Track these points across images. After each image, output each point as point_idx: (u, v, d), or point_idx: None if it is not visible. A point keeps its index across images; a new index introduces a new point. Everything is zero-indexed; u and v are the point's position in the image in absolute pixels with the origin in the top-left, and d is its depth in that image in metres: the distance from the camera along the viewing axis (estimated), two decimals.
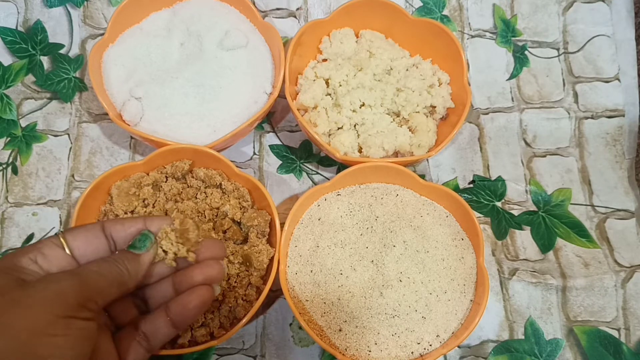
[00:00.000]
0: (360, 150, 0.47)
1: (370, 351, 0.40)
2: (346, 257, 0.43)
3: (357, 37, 0.52)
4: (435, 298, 0.42)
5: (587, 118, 0.54)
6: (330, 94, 0.49)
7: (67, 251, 0.31)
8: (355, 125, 0.48)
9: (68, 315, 0.27)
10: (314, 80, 0.49)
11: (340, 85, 0.48)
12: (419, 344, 0.41)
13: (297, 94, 0.49)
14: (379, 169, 0.45)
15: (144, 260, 0.33)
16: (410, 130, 0.49)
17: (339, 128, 0.48)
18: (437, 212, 0.46)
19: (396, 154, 0.48)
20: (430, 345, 0.41)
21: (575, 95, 0.55)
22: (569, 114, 0.54)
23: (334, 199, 0.46)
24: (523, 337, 0.46)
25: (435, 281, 0.42)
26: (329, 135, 0.48)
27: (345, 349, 0.40)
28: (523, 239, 0.49)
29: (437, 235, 0.44)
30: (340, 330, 0.41)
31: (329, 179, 0.51)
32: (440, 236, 0.44)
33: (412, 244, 0.43)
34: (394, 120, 0.49)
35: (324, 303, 0.42)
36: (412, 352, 0.40)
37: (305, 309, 0.42)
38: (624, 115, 0.54)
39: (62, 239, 0.31)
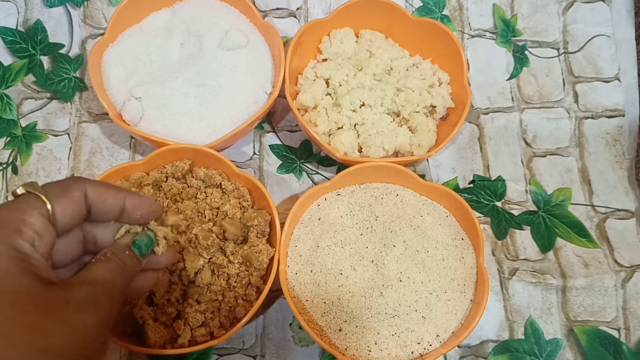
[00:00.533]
0: (360, 150, 0.47)
1: (370, 351, 0.40)
2: (346, 257, 0.43)
3: (357, 37, 0.52)
4: (435, 298, 0.42)
5: (587, 118, 0.54)
6: (330, 94, 0.49)
7: (51, 222, 0.28)
8: (355, 125, 0.48)
9: (104, 342, 0.27)
10: (314, 80, 0.49)
11: (340, 85, 0.48)
12: (419, 343, 0.41)
13: (297, 93, 0.49)
14: (379, 169, 0.45)
15: (142, 262, 0.33)
16: (410, 130, 0.49)
17: (339, 128, 0.48)
18: (437, 212, 0.46)
19: (396, 154, 0.48)
20: (430, 345, 0.41)
21: (575, 95, 0.55)
22: (569, 113, 0.54)
23: (334, 199, 0.46)
24: (523, 337, 0.46)
25: (435, 281, 0.42)
26: (329, 135, 0.48)
27: (345, 349, 0.40)
28: (523, 238, 0.49)
29: (437, 235, 0.44)
30: (340, 330, 0.41)
31: (329, 179, 0.51)
32: (440, 236, 0.44)
33: (412, 243, 0.43)
34: (394, 120, 0.49)
35: (324, 303, 0.42)
36: (412, 352, 0.40)
37: (305, 308, 0.42)
38: (624, 115, 0.54)
39: (49, 208, 0.28)
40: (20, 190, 0.28)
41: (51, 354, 0.24)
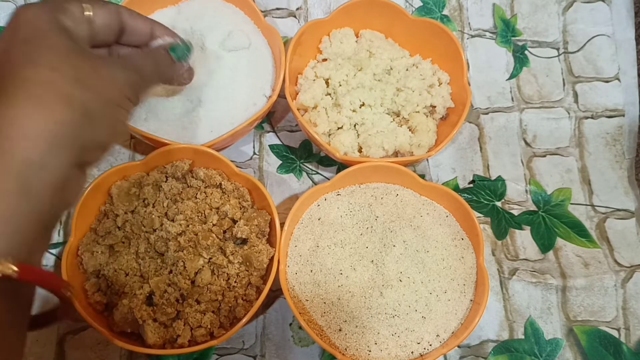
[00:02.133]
0: (360, 150, 0.47)
1: (370, 351, 0.40)
2: (346, 257, 0.43)
3: (357, 37, 0.52)
4: (435, 298, 0.42)
5: (587, 118, 0.54)
6: (330, 94, 0.49)
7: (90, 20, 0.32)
8: (355, 125, 0.48)
9: (127, 109, 0.32)
10: (314, 80, 0.49)
11: (340, 85, 0.48)
12: (418, 343, 0.41)
13: (297, 93, 0.49)
14: (379, 169, 0.45)
15: (175, 68, 0.38)
16: (410, 130, 0.49)
17: (339, 128, 0.48)
18: (437, 212, 0.46)
19: (396, 153, 0.48)
20: (430, 345, 0.41)
21: (575, 95, 0.55)
22: (568, 113, 0.54)
23: (334, 199, 0.46)
24: (523, 337, 0.46)
25: (435, 281, 0.42)
26: (329, 135, 0.48)
27: (345, 349, 0.40)
28: (523, 238, 0.49)
29: (437, 235, 0.44)
30: (340, 330, 0.41)
31: (329, 179, 0.51)
32: (440, 236, 0.44)
33: (412, 243, 0.43)
34: (393, 120, 0.49)
35: (324, 303, 0.42)
36: (412, 352, 0.40)
37: (305, 308, 0.42)
38: (623, 115, 0.54)
39: (90, 13, 0.32)
40: None
41: (88, 89, 0.28)
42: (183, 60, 0.37)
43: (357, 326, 0.41)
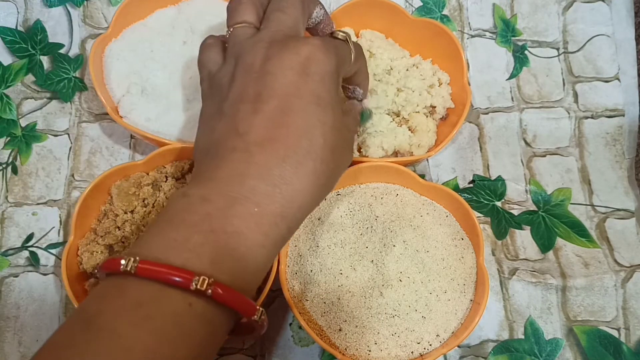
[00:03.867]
0: (359, 150, 0.47)
1: (370, 351, 0.40)
2: (346, 257, 0.43)
3: (357, 37, 0.52)
4: (435, 298, 0.42)
5: (587, 118, 0.54)
6: None
7: None
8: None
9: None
10: None
11: None
12: (418, 343, 0.41)
13: None
14: (379, 169, 0.45)
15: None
16: (410, 130, 0.49)
17: None
18: (437, 212, 0.46)
19: (396, 153, 0.48)
20: (430, 344, 0.41)
21: (575, 95, 0.55)
22: (568, 113, 0.54)
23: (334, 199, 0.46)
24: (523, 337, 0.46)
25: (435, 281, 0.42)
26: None
27: (345, 349, 0.40)
28: (523, 238, 0.49)
29: (437, 235, 0.44)
30: (340, 329, 0.41)
31: None
32: (440, 236, 0.44)
33: (412, 243, 0.43)
34: (393, 120, 0.49)
35: (324, 303, 0.42)
36: (412, 352, 0.40)
37: (305, 308, 0.42)
38: (623, 115, 0.54)
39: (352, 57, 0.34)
40: None
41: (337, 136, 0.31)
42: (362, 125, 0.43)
43: (357, 326, 0.41)
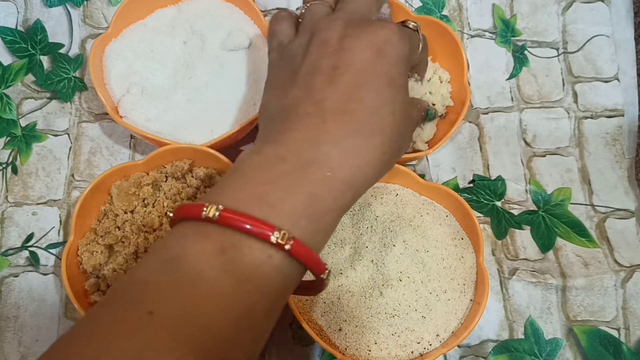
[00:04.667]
0: None
1: (370, 351, 0.40)
2: (346, 257, 0.43)
3: None
4: (435, 298, 0.42)
5: (586, 118, 0.54)
6: None
7: None
8: None
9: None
10: None
11: None
12: (418, 343, 0.41)
13: None
14: None
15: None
16: None
17: None
18: (437, 212, 0.46)
19: None
20: (430, 344, 0.41)
21: (575, 95, 0.55)
22: (568, 113, 0.54)
23: None
24: (523, 337, 0.46)
25: (435, 281, 0.42)
26: None
27: (345, 349, 0.40)
28: (523, 238, 0.49)
29: (437, 235, 0.44)
30: (340, 329, 0.41)
31: None
32: (440, 236, 0.44)
33: (412, 243, 0.43)
34: None
35: (324, 302, 0.42)
36: (412, 352, 0.40)
37: (305, 308, 0.42)
38: (623, 115, 0.54)
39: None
40: None
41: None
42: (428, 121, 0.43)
43: (357, 326, 0.41)
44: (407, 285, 0.41)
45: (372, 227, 0.44)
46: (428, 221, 0.45)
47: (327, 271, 0.29)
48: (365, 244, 0.43)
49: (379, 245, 0.43)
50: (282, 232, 0.25)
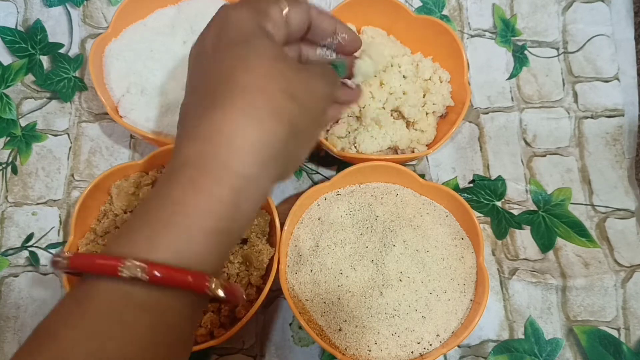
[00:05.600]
0: (358, 146, 0.47)
1: (370, 351, 0.40)
2: (346, 257, 0.43)
3: (359, 34, 0.52)
4: (435, 298, 0.42)
5: (586, 118, 0.54)
6: None
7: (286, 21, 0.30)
8: (353, 121, 0.48)
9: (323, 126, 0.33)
10: None
11: None
12: (419, 343, 0.41)
13: None
14: (379, 169, 0.45)
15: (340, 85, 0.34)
16: (409, 127, 0.49)
17: (335, 122, 0.48)
18: (437, 212, 0.46)
19: (395, 151, 0.48)
20: (430, 344, 0.41)
21: (575, 95, 0.55)
22: (568, 113, 0.54)
23: (334, 199, 0.46)
24: (523, 337, 0.46)
25: (435, 281, 0.42)
26: (327, 131, 0.48)
27: (345, 349, 0.40)
28: (523, 238, 0.49)
29: (437, 235, 0.44)
30: (340, 329, 0.41)
31: (328, 179, 0.51)
32: (440, 236, 0.44)
33: (412, 243, 0.43)
34: (393, 117, 0.49)
35: (324, 302, 0.42)
36: (412, 352, 0.40)
37: (305, 308, 0.42)
38: (623, 115, 0.54)
39: (286, 9, 0.30)
40: None
41: (296, 102, 0.26)
42: (341, 74, 0.35)
43: (357, 326, 0.41)
44: (407, 285, 0.41)
45: (372, 227, 0.44)
46: (428, 221, 0.45)
47: (212, 280, 0.24)
48: (365, 244, 0.43)
49: (379, 245, 0.43)
50: (131, 262, 0.22)
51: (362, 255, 0.43)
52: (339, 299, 0.41)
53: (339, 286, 0.42)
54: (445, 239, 0.44)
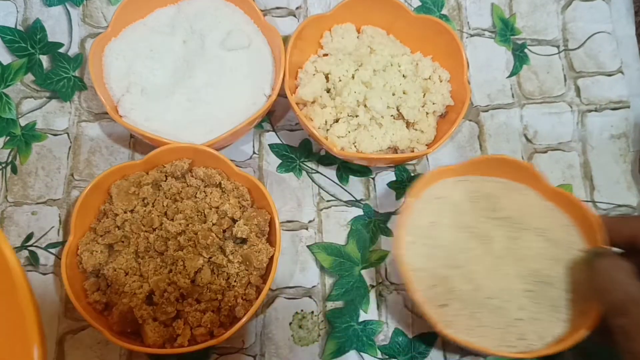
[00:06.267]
0: (358, 146, 0.47)
1: (470, 335, 0.39)
2: (464, 240, 0.42)
3: (359, 33, 0.52)
4: (549, 301, 0.40)
5: (590, 111, 0.54)
6: (329, 89, 0.49)
7: None
8: (353, 120, 0.48)
9: None
10: (314, 74, 0.49)
11: (340, 80, 0.48)
12: (521, 340, 0.40)
13: (297, 87, 0.49)
14: (507, 163, 0.45)
15: None
16: (409, 127, 0.49)
17: (335, 121, 0.48)
18: (560, 219, 0.44)
19: (395, 150, 0.48)
20: (532, 344, 0.39)
21: (577, 89, 0.55)
22: (571, 107, 0.54)
23: (458, 183, 0.45)
24: None
25: (554, 287, 0.41)
26: (327, 130, 0.48)
27: (446, 326, 0.40)
28: None
29: (558, 242, 0.43)
30: (443, 306, 0.40)
31: (329, 178, 0.51)
32: (564, 245, 0.42)
33: (533, 244, 0.42)
34: (392, 116, 0.49)
35: (433, 277, 0.41)
36: (513, 346, 0.39)
37: (410, 278, 0.41)
38: (629, 107, 0.54)
39: None
40: None
41: None
42: None
43: (460, 307, 0.40)
44: (521, 284, 0.41)
45: (493, 219, 0.43)
46: (551, 226, 0.43)
47: None
48: (486, 234, 0.43)
49: (499, 239, 0.42)
50: None
51: (480, 243, 0.42)
52: (448, 277, 0.41)
53: (451, 266, 0.41)
54: (569, 249, 0.42)
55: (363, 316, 0.47)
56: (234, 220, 0.44)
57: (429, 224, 0.43)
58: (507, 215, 0.44)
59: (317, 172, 0.51)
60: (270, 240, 0.44)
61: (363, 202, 0.50)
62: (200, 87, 0.48)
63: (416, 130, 0.48)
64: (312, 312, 0.46)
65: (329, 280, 0.48)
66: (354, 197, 0.51)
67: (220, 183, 0.45)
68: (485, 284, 0.41)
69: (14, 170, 0.50)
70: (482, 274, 0.41)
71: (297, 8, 0.56)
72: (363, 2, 0.50)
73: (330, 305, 0.47)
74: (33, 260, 0.47)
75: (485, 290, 0.41)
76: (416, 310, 0.46)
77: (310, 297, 0.47)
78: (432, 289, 0.41)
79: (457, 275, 0.41)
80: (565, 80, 0.55)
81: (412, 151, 0.48)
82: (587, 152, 0.53)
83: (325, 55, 0.51)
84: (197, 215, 0.43)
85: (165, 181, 0.45)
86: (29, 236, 0.48)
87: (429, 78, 0.50)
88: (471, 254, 0.42)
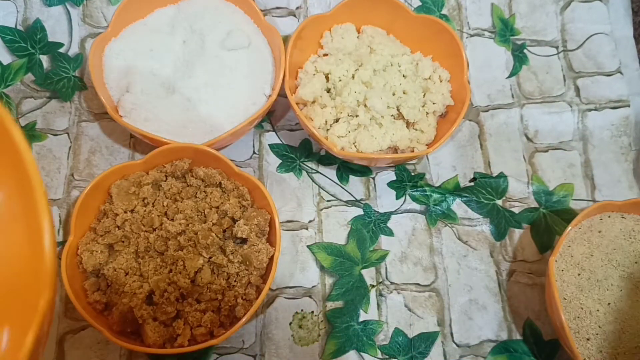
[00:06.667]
0: (358, 146, 0.47)
1: None
2: (618, 278, 0.43)
3: (359, 33, 0.52)
4: None
5: (590, 110, 0.54)
6: (329, 89, 0.49)
7: None
8: (353, 120, 0.48)
9: None
10: (314, 74, 0.49)
11: (340, 80, 0.48)
12: None
13: (297, 87, 0.49)
14: None
15: None
16: (409, 126, 0.49)
17: (335, 121, 0.48)
18: None
19: (395, 150, 0.48)
20: None
21: (577, 89, 0.55)
22: (571, 107, 0.54)
23: (619, 220, 0.46)
24: (521, 338, 0.46)
25: None
26: (327, 130, 0.48)
27: (586, 358, 0.40)
28: (522, 239, 0.49)
29: None
30: (588, 339, 0.41)
31: (329, 178, 0.51)
32: None
33: None
34: (392, 116, 0.49)
35: (581, 308, 0.42)
36: None
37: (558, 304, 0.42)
38: (629, 106, 0.54)
39: None
40: None
41: None
42: None
43: (604, 345, 0.41)
44: None
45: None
46: None
47: None
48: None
49: None
50: None
51: (636, 286, 0.43)
52: (597, 311, 0.42)
53: (600, 300, 0.42)
54: None
55: (363, 316, 0.47)
56: (234, 220, 0.44)
57: (582, 255, 0.44)
58: None
59: (317, 172, 0.51)
60: (270, 240, 0.44)
61: (363, 202, 0.50)
62: (200, 86, 0.48)
63: (416, 130, 0.48)
64: (312, 312, 0.46)
65: (329, 280, 0.48)
66: (354, 197, 0.51)
67: (220, 183, 0.45)
68: (630, 330, 0.41)
69: None
70: (627, 318, 0.42)
71: (297, 8, 0.56)
72: (363, 2, 0.50)
73: (330, 305, 0.47)
74: None
75: (630, 335, 0.41)
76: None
77: (310, 297, 0.47)
78: (578, 321, 0.42)
79: (601, 313, 0.42)
80: (564, 80, 0.55)
81: (412, 151, 0.48)
82: (588, 151, 0.53)
83: (325, 55, 0.51)
84: (197, 215, 0.43)
85: (165, 181, 0.45)
86: None
87: (429, 78, 0.50)
88: (622, 296, 0.42)
